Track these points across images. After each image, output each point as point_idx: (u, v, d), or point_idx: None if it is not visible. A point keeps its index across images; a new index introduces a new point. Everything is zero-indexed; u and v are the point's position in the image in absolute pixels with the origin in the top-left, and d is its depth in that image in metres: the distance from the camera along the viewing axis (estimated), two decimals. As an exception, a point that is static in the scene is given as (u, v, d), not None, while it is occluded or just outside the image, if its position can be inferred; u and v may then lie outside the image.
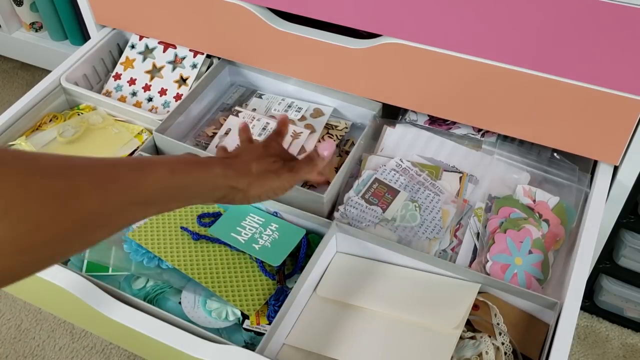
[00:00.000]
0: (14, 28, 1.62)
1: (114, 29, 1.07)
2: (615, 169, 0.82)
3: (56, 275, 0.71)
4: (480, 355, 0.69)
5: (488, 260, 0.77)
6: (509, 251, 0.77)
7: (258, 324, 0.74)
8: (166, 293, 0.77)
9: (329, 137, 0.94)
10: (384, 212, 0.82)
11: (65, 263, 0.78)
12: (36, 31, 1.61)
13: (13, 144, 0.89)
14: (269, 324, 0.73)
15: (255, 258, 0.79)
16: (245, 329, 0.74)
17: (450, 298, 0.73)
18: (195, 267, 0.77)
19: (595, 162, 0.85)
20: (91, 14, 1.05)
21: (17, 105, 0.93)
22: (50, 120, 0.95)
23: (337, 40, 0.85)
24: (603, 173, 0.82)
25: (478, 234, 0.80)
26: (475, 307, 0.73)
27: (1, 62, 1.83)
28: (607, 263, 1.08)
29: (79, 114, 0.96)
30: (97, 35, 1.07)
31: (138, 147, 0.90)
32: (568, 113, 0.76)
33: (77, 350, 1.17)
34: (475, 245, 0.80)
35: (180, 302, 0.76)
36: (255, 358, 0.62)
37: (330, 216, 0.84)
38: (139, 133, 0.93)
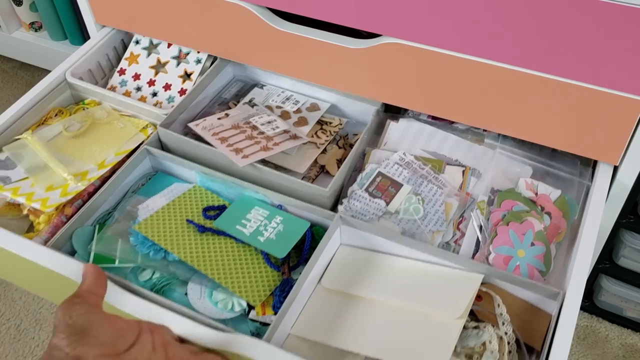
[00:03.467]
0: (13, 28, 1.64)
1: (114, 28, 1.07)
2: (615, 169, 0.82)
3: (63, 265, 0.72)
4: (483, 344, 0.70)
5: (490, 252, 0.78)
6: (512, 243, 0.77)
7: (264, 314, 0.75)
8: (172, 285, 0.78)
9: (322, 132, 0.95)
10: (387, 205, 0.83)
11: (72, 255, 0.79)
12: (36, 31, 1.62)
13: (19, 138, 0.90)
14: (275, 314, 0.74)
15: (261, 250, 0.80)
16: (251, 320, 0.75)
17: (453, 288, 0.73)
18: (201, 259, 0.77)
19: (595, 162, 0.85)
20: (91, 13, 1.05)
21: (23, 100, 0.94)
22: (56, 115, 0.96)
23: (337, 40, 0.85)
24: (603, 173, 0.82)
25: (481, 226, 0.81)
26: (479, 297, 0.74)
27: (1, 62, 1.83)
28: (607, 263, 1.09)
29: (84, 109, 0.97)
30: (97, 35, 1.07)
31: (143, 142, 0.91)
32: (568, 113, 0.77)
33: (78, 348, 1.17)
34: (478, 237, 0.81)
35: (186, 294, 0.77)
36: (263, 346, 0.63)
37: (333, 210, 0.85)
38: (144, 127, 0.94)
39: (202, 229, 0.81)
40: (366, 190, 0.84)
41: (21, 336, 1.21)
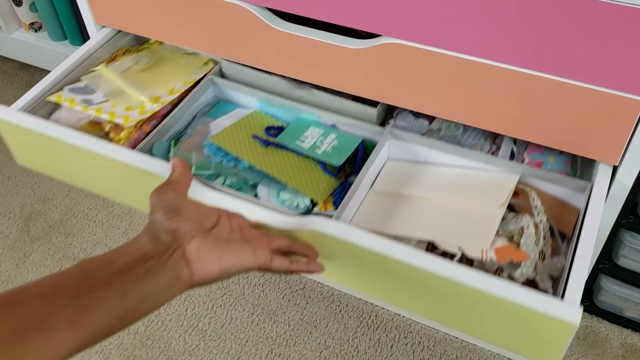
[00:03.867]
0: (13, 28, 1.63)
1: (114, 29, 1.07)
2: (615, 169, 0.82)
3: (144, 162, 0.81)
4: (521, 229, 0.79)
5: (524, 159, 0.87)
6: (543, 150, 0.87)
7: (326, 209, 0.85)
8: (243, 189, 0.87)
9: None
10: (430, 124, 0.93)
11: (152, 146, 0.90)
12: (35, 31, 1.62)
13: (95, 70, 1.00)
14: (336, 209, 0.84)
15: (318, 160, 0.90)
16: (314, 215, 0.85)
17: (494, 185, 0.83)
18: (268, 165, 0.88)
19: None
20: (90, 14, 1.06)
21: (94, 39, 1.04)
22: (124, 54, 1.06)
23: (336, 40, 0.85)
24: (602, 173, 0.81)
25: (515, 140, 0.91)
26: (516, 194, 0.84)
27: (1, 62, 1.83)
28: (607, 263, 1.09)
29: (149, 48, 1.07)
30: (97, 35, 1.07)
31: (207, 74, 1.01)
32: (568, 113, 0.77)
33: (77, 350, 1.23)
34: (512, 149, 0.90)
35: (255, 196, 0.87)
36: (333, 222, 0.71)
37: (381, 129, 0.93)
38: (205, 63, 1.04)
39: (267, 143, 0.91)
40: (410, 111, 0.94)
41: (21, 336, 1.27)
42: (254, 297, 1.27)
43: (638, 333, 1.18)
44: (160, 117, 0.95)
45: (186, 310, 1.26)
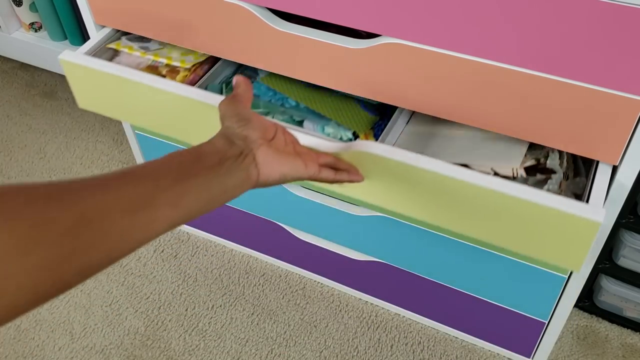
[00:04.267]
0: (13, 28, 1.62)
1: (114, 29, 1.07)
2: (615, 168, 0.81)
3: (205, 97, 0.86)
4: (547, 153, 0.86)
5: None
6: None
7: (366, 138, 0.92)
8: (290, 124, 0.94)
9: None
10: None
11: (206, 87, 0.98)
12: (35, 31, 1.60)
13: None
14: (376, 140, 0.89)
15: (358, 100, 0.97)
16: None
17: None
18: (313, 103, 0.95)
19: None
20: (90, 14, 1.05)
21: (96, 38, 1.06)
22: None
23: (336, 40, 0.85)
24: (602, 173, 0.81)
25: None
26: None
27: (1, 62, 1.84)
28: (607, 263, 1.10)
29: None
30: (97, 35, 1.06)
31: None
32: (567, 113, 0.77)
33: (77, 350, 1.19)
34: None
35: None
36: (378, 145, 0.77)
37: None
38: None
39: (309, 84, 0.99)
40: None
41: (21, 336, 1.21)
42: (254, 297, 1.27)
43: (638, 333, 1.19)
44: (212, 63, 1.04)
45: (186, 310, 1.25)
